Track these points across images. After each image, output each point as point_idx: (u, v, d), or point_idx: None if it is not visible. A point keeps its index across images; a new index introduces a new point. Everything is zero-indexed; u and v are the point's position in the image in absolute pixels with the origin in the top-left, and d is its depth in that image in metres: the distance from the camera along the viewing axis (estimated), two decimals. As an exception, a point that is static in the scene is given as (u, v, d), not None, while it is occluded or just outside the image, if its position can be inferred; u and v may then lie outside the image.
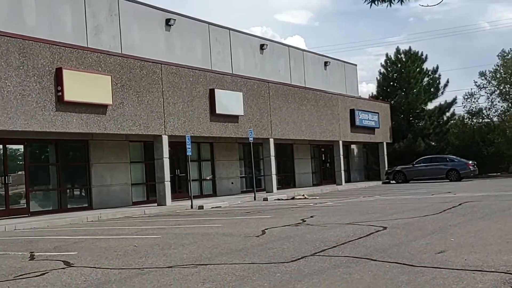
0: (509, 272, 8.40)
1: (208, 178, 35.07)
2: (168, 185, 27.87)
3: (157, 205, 27.49)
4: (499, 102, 54.92)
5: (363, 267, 9.20)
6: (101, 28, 29.15)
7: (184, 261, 10.68)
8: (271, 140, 35.37)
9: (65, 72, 23.02)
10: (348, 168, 49.46)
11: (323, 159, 47.17)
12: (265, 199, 30.31)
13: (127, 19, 30.64)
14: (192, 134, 28.72)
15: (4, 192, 24.05)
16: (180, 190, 32.17)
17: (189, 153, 27.40)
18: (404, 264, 9.28)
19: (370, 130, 47.07)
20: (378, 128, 47.91)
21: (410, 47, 57.74)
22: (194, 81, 29.56)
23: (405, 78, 54.40)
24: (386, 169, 47.83)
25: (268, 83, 35.56)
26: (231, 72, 36.28)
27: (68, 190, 27.49)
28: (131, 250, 12.45)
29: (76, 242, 14.81)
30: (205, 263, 10.29)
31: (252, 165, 32.63)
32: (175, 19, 33.51)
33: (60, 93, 22.79)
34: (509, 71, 53.48)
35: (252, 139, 31.13)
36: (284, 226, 15.95)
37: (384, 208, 20.39)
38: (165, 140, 27.71)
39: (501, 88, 54.50)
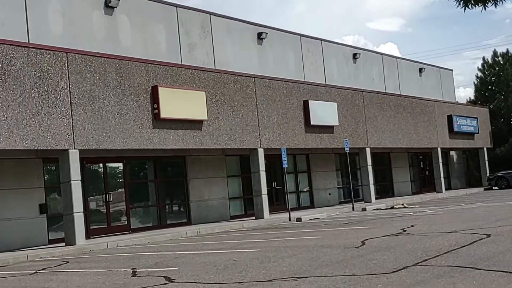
0: None
1: (305, 190, 34.97)
2: (265, 198, 27.91)
3: (255, 219, 27.56)
4: None
5: (467, 277, 8.90)
6: (194, 45, 29.57)
7: (284, 274, 10.59)
8: (368, 150, 34.98)
9: (161, 90, 23.41)
10: (448, 175, 48.33)
11: (422, 166, 46.31)
12: (364, 209, 29.96)
13: (219, 35, 30.98)
14: (288, 146, 28.71)
15: (105, 210, 24.64)
16: (278, 203, 32.17)
17: (285, 165, 27.37)
18: (510, 272, 8.93)
19: (469, 135, 45.89)
20: (478, 133, 46.66)
21: (507, 49, 56.09)
22: (288, 93, 29.57)
23: (503, 81, 52.99)
24: (488, 175, 46.52)
25: (362, 92, 35.23)
26: (324, 82, 36.15)
27: (167, 206, 27.92)
28: (231, 264, 12.45)
29: (176, 258, 14.95)
30: (305, 276, 10.18)
31: (349, 175, 32.32)
32: (267, 33, 33.68)
33: (156, 111, 23.19)
34: None
35: (348, 149, 30.87)
36: (384, 236, 15.66)
37: (487, 215, 19.78)
38: (260, 153, 27.79)
39: None
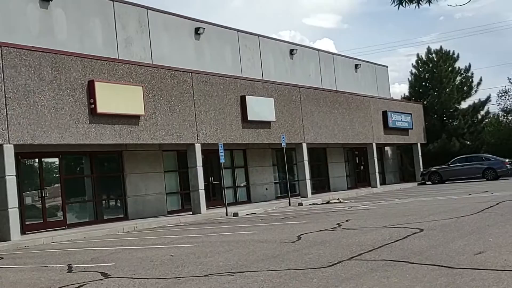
0: (550, 271, 8.25)
1: (242, 185, 35.08)
2: (202, 193, 27.93)
3: (192, 214, 27.55)
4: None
5: (400, 270, 9.12)
6: (131, 40, 29.35)
7: (220, 269, 10.67)
8: (304, 145, 35.27)
9: (97, 85, 23.21)
10: (383, 170, 49.10)
11: (357, 162, 46.87)
12: (300, 204, 30.20)
13: (156, 30, 30.81)
14: (225, 142, 28.77)
15: (41, 205, 24.31)
16: (215, 198, 32.20)
17: (222, 160, 27.44)
18: (442, 266, 9.18)
19: (404, 131, 46.72)
20: (412, 129, 47.54)
21: (441, 46, 56.82)
22: (225, 89, 29.61)
23: (437, 77, 53.95)
24: (421, 170, 47.40)
25: (299, 88, 35.49)
26: (261, 78, 36.31)
27: (103, 201, 27.69)
28: (168, 260, 12.47)
29: (112, 253, 14.88)
30: (241, 271, 10.27)
31: (286, 171, 32.55)
32: (204, 28, 33.61)
33: (93, 106, 22.99)
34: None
35: (285, 144, 31.04)
36: (320, 231, 15.87)
37: (420, 210, 20.20)
38: (198, 148, 27.79)
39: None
